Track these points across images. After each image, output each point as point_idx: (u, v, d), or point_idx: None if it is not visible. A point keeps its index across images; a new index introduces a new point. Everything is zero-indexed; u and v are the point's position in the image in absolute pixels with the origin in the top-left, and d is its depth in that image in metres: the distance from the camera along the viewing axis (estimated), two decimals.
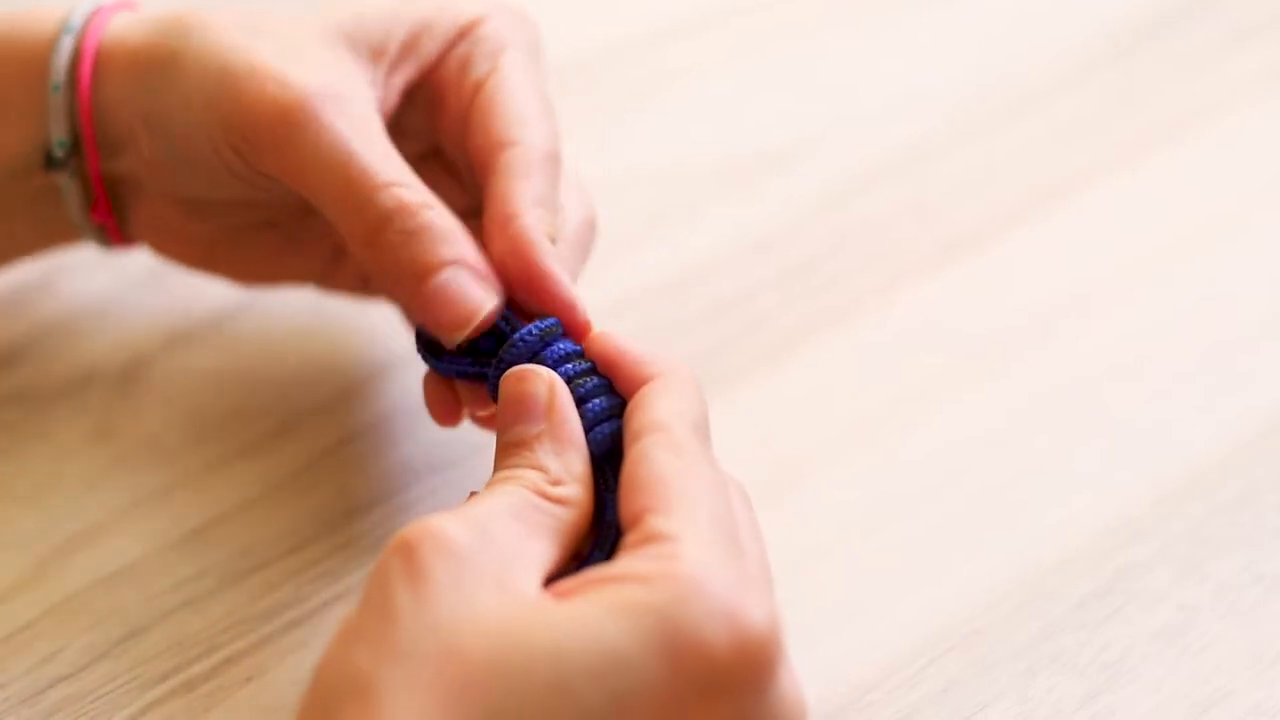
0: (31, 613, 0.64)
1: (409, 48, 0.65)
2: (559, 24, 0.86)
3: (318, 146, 0.61)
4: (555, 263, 0.60)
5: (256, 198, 0.65)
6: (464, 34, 0.65)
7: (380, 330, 0.73)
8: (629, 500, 0.53)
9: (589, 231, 0.65)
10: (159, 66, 0.64)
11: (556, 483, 0.54)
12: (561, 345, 0.59)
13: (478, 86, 0.64)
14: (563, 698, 0.48)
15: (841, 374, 0.73)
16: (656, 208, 0.79)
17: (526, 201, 0.61)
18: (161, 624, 0.64)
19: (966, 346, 0.74)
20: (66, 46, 0.65)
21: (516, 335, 0.59)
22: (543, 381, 0.57)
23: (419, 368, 0.71)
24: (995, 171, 0.81)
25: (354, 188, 0.60)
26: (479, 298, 0.60)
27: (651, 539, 0.51)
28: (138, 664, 0.63)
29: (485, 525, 0.51)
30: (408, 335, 0.72)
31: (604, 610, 0.49)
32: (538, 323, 0.59)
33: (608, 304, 0.74)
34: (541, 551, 0.52)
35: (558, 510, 0.54)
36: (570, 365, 0.58)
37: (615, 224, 0.77)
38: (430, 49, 0.65)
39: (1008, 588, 0.66)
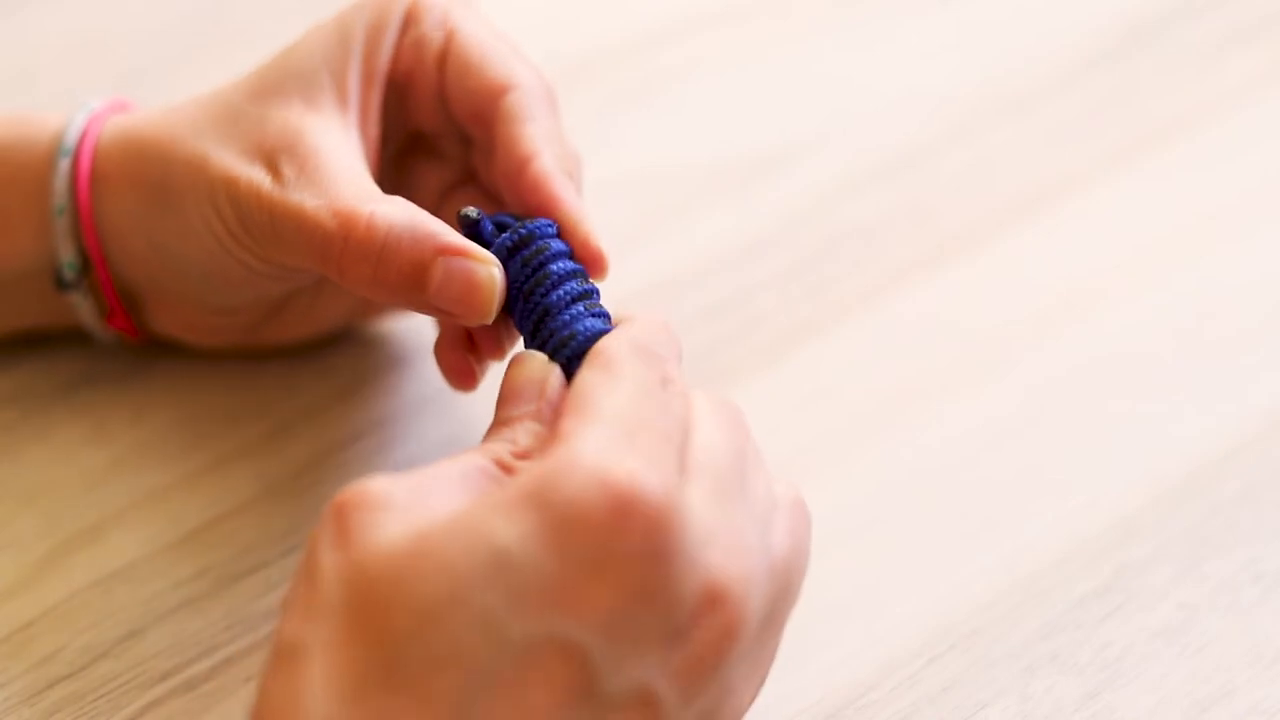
0: (31, 613, 0.64)
1: (369, 69, 0.64)
2: (555, 27, 0.86)
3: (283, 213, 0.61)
4: (581, 203, 0.61)
5: (275, 285, 0.65)
6: (410, 21, 0.65)
7: (380, 330, 0.72)
8: (557, 422, 0.53)
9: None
10: (153, 198, 0.64)
11: (524, 456, 0.53)
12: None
13: (443, 54, 0.64)
14: (461, 606, 0.47)
15: (838, 375, 0.73)
16: (652, 209, 0.79)
17: (540, 141, 0.62)
18: (161, 624, 0.64)
19: (964, 346, 0.74)
20: (64, 169, 0.65)
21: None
22: (540, 363, 0.57)
23: (418, 368, 0.71)
24: (992, 172, 0.81)
25: (308, 230, 0.60)
26: (483, 276, 0.59)
27: (551, 439, 0.51)
28: (138, 664, 0.63)
29: (424, 484, 0.51)
30: (404, 334, 0.72)
31: (488, 510, 0.48)
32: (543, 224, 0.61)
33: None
34: None
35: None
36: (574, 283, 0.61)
37: (611, 226, 0.76)
38: (386, 55, 0.64)
39: (1007, 586, 0.66)
